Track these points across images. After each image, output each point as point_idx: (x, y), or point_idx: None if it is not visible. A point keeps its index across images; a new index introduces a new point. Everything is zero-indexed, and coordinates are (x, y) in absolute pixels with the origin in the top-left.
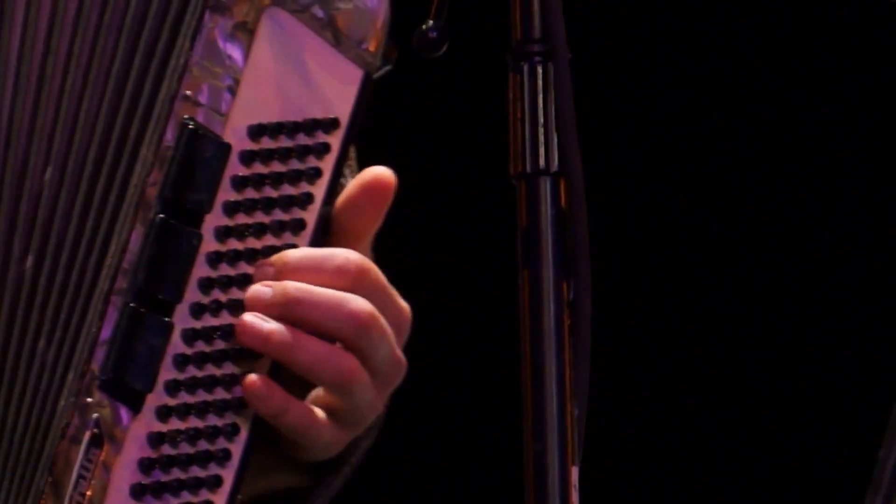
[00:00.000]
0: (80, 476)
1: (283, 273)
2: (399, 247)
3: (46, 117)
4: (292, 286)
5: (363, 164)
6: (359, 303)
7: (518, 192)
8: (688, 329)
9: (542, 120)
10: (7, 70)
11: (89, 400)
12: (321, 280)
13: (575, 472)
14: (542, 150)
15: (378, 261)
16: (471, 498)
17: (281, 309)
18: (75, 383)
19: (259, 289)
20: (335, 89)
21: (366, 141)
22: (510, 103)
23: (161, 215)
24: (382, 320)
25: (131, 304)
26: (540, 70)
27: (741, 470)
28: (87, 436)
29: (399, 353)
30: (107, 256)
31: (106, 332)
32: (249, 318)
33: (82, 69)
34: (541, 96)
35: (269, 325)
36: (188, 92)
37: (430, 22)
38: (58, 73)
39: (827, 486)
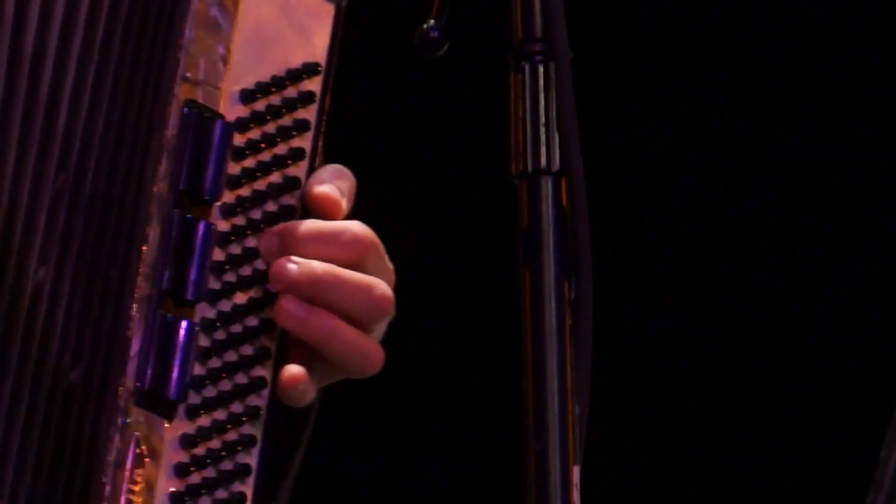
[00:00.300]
0: (128, 501)
1: (293, 245)
2: (400, 246)
3: (59, 119)
4: (319, 267)
5: (368, 162)
6: (382, 289)
7: (519, 192)
8: (689, 328)
9: (543, 119)
10: (21, 71)
11: (129, 420)
12: (332, 253)
13: (576, 472)
14: (543, 150)
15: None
16: (472, 497)
17: (307, 288)
18: (113, 405)
19: (284, 265)
20: (312, 32)
21: (367, 140)
22: (511, 103)
23: (176, 210)
24: (393, 301)
25: (160, 312)
26: (541, 69)
27: (742, 469)
28: (129, 458)
29: None
30: (130, 262)
31: (136, 344)
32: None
33: (94, 64)
34: (542, 96)
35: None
36: (188, 74)
37: (432, 21)
38: (70, 72)
39: (828, 486)
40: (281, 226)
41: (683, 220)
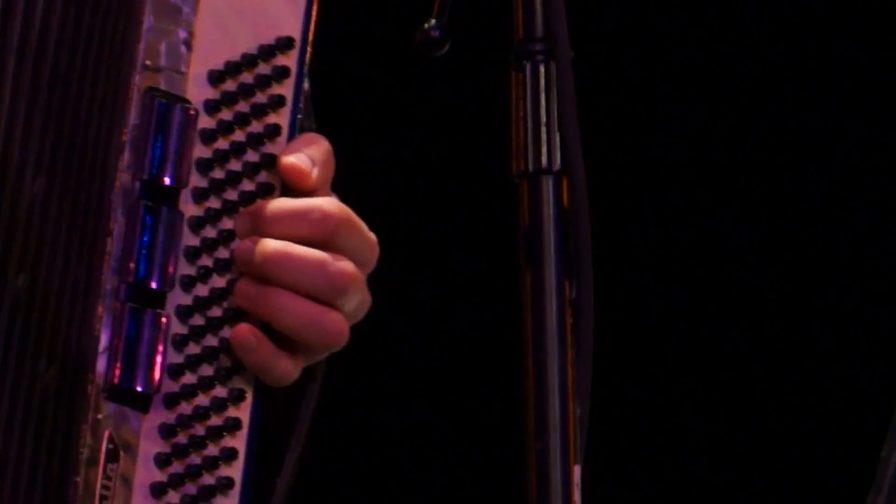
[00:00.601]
0: (102, 497)
1: (263, 226)
2: (401, 245)
3: (35, 123)
4: (271, 246)
5: (369, 162)
6: (339, 265)
7: (520, 192)
8: (690, 328)
9: (544, 119)
10: (6, 71)
11: (99, 416)
12: (301, 232)
13: (577, 471)
14: (544, 149)
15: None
16: (474, 497)
17: (260, 268)
18: (84, 403)
19: (242, 246)
20: (285, 6)
21: (368, 140)
22: (512, 102)
23: (140, 200)
24: (360, 275)
25: (127, 304)
26: (542, 69)
27: (743, 469)
28: (102, 454)
29: (366, 291)
30: (95, 257)
31: (104, 339)
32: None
33: (64, 61)
34: (543, 95)
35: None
36: (147, 62)
37: (433, 21)
38: (28, 71)
39: (830, 486)
40: (253, 206)
41: (685, 218)
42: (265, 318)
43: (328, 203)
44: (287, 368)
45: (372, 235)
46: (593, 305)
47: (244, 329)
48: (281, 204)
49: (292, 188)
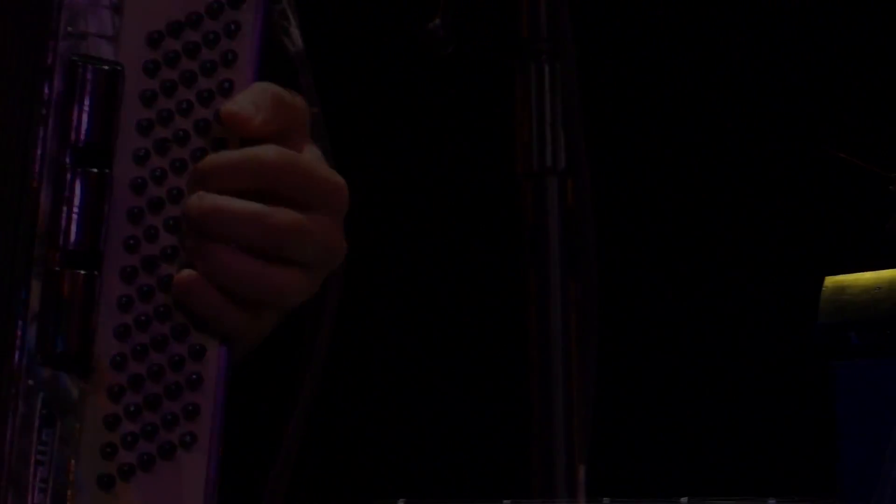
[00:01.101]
0: (37, 462)
1: (204, 181)
2: (406, 245)
3: None
4: (207, 201)
5: (375, 161)
6: (278, 216)
7: (525, 191)
8: (695, 327)
9: (549, 119)
10: None
11: (31, 382)
12: (242, 184)
13: (582, 470)
14: (549, 149)
15: (383, 260)
16: (478, 496)
17: (199, 225)
18: (13, 371)
19: (187, 203)
20: None
21: (373, 139)
22: (517, 102)
23: (66, 165)
24: (306, 222)
25: (55, 269)
26: (547, 69)
27: (747, 469)
28: (36, 420)
29: (334, 237)
30: (20, 227)
31: (35, 305)
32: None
33: None
34: (548, 95)
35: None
36: (69, 28)
37: (438, 20)
38: None
39: (832, 485)
40: (198, 162)
41: (690, 218)
42: (206, 275)
43: (267, 150)
44: (239, 320)
45: (334, 178)
46: (597, 305)
47: (185, 276)
48: (220, 157)
49: (241, 137)
